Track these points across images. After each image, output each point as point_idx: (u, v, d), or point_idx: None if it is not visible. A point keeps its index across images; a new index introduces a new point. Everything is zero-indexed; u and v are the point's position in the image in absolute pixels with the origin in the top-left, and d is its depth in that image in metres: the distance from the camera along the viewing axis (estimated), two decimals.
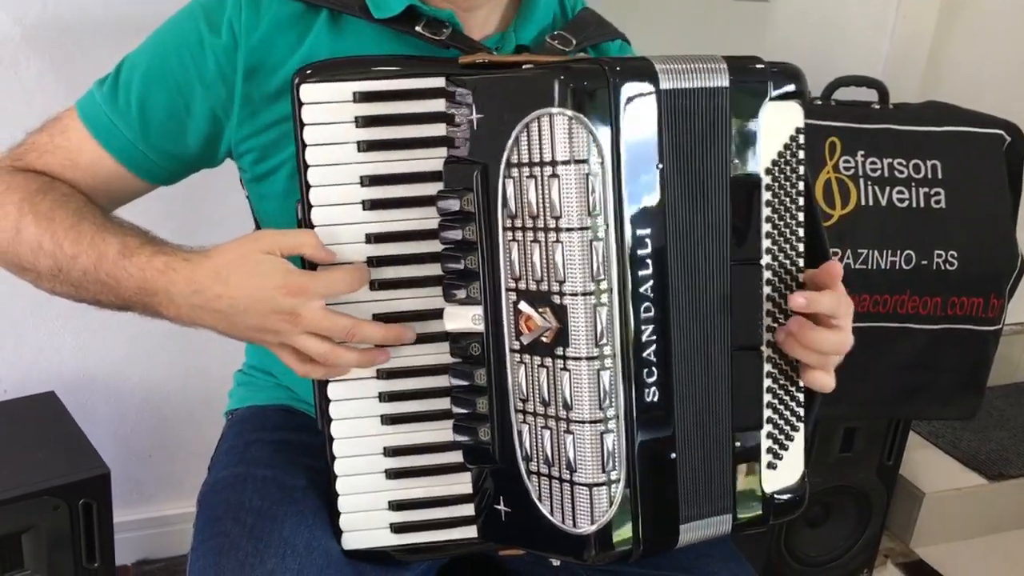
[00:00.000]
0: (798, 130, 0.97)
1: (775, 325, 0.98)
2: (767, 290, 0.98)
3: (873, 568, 2.17)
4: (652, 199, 0.91)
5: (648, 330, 0.92)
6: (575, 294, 0.89)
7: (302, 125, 0.93)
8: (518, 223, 0.91)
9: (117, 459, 1.65)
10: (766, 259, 0.97)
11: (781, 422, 1.01)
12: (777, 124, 0.96)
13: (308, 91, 0.93)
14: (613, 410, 0.91)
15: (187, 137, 1.07)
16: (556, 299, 0.90)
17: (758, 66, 0.95)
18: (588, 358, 0.90)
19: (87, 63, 1.08)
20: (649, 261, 0.91)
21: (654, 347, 0.92)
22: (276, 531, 0.98)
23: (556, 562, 1.01)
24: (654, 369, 0.92)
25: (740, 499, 0.99)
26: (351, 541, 0.99)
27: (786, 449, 1.02)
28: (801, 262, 0.99)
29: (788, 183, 0.97)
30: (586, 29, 1.14)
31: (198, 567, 0.98)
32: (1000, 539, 2.39)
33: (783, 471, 1.02)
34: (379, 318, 0.96)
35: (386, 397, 0.97)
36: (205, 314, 0.94)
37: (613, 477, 0.91)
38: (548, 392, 0.91)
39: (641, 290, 0.91)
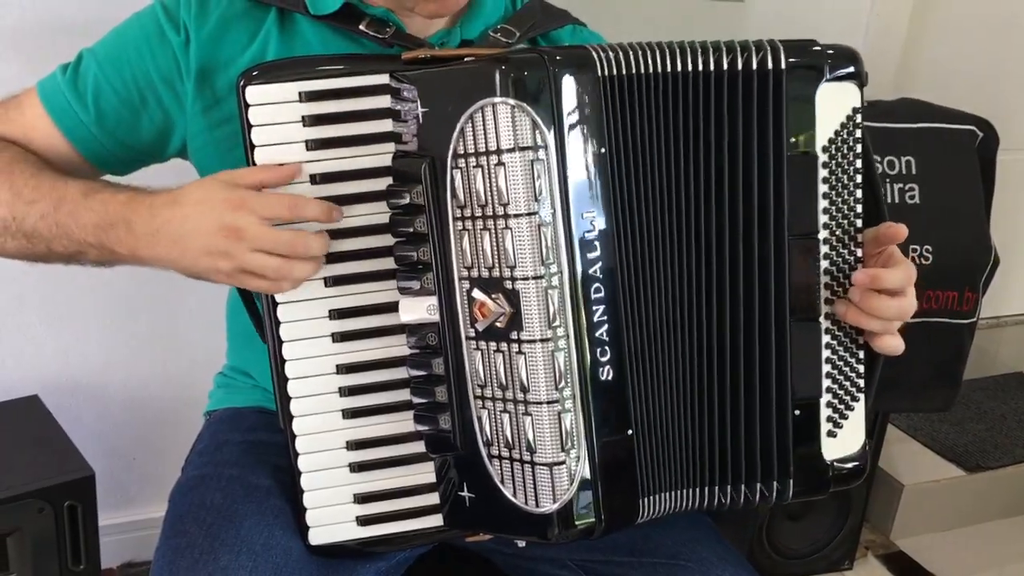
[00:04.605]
0: (855, 110, 0.98)
1: (833, 297, 1.00)
2: (825, 263, 0.99)
3: (854, 560, 2.18)
4: (597, 183, 0.92)
5: (599, 310, 0.93)
6: (526, 278, 0.90)
7: (249, 127, 0.94)
8: (467, 212, 0.92)
9: (101, 461, 1.64)
10: (823, 233, 0.98)
11: (841, 392, 1.02)
12: (833, 105, 0.97)
13: (254, 92, 0.94)
14: (569, 390, 0.91)
15: (140, 127, 1.09)
16: (508, 284, 0.91)
17: (814, 48, 0.97)
18: (542, 340, 0.90)
19: (63, 61, 1.12)
20: (597, 244, 0.92)
21: (606, 327, 0.93)
22: (234, 529, 0.98)
23: (521, 543, 1.01)
24: (607, 348, 0.93)
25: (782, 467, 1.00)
26: (317, 536, 0.99)
27: (846, 418, 1.03)
28: (860, 237, 1.00)
29: (845, 161, 0.98)
30: (531, 19, 1.16)
31: (157, 567, 0.99)
32: (978, 530, 2.40)
33: (844, 439, 1.03)
34: (336, 313, 0.97)
35: (346, 391, 0.98)
36: (159, 242, 0.94)
37: (572, 455, 0.92)
38: (505, 376, 0.92)
39: (591, 271, 0.92)
